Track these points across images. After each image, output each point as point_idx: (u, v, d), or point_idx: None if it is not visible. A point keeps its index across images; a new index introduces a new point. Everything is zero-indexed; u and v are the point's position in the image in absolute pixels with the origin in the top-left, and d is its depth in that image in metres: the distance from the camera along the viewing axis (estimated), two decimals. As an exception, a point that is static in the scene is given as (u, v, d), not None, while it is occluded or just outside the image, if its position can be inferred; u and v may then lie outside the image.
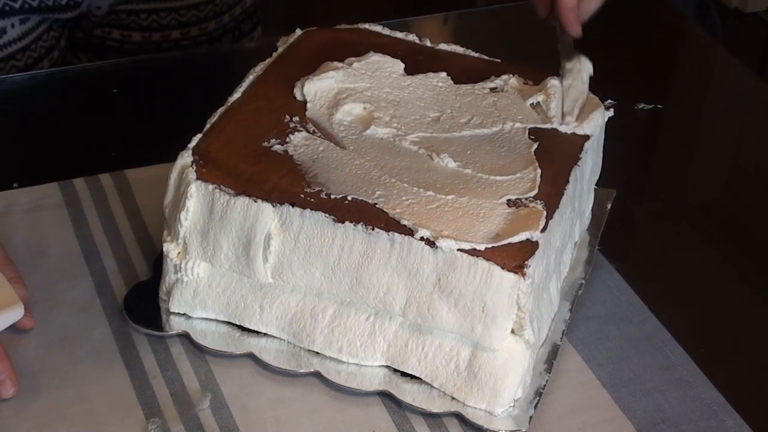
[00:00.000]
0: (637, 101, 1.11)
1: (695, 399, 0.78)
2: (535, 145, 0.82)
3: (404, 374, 0.77)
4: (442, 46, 0.93)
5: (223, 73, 1.14)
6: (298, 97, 0.85)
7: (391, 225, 0.73)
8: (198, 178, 0.77)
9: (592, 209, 0.91)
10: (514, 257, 0.72)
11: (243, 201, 0.75)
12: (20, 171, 0.96)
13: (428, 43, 0.93)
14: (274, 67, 0.88)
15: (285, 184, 0.76)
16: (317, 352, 0.78)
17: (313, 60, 0.88)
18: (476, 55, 0.92)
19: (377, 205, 0.74)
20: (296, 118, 0.83)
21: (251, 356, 0.78)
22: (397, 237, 0.73)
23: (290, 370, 0.78)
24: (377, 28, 0.95)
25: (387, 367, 0.78)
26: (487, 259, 0.71)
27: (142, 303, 0.82)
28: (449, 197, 0.76)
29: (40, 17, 1.11)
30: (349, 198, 0.75)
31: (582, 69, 0.85)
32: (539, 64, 0.90)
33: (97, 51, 1.20)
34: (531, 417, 0.75)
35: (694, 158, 1.11)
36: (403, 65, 0.89)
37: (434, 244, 0.72)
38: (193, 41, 1.21)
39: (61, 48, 1.16)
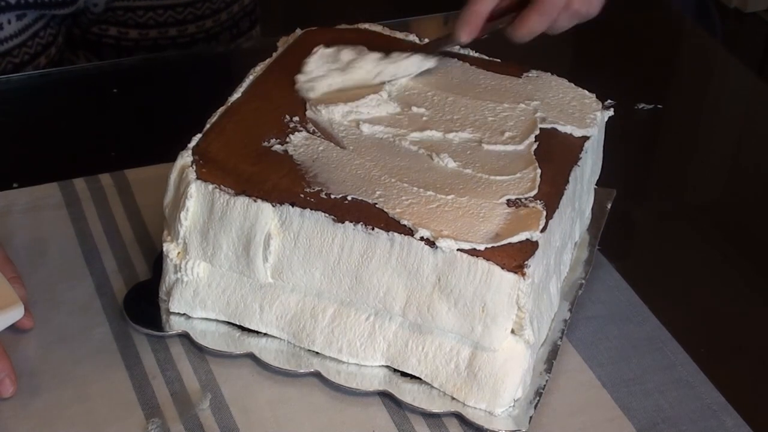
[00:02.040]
0: (637, 101, 1.11)
1: (695, 399, 0.78)
2: (535, 145, 0.81)
3: (404, 374, 0.77)
4: (442, 46, 0.93)
5: (223, 72, 1.14)
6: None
7: (391, 225, 0.73)
8: (198, 178, 0.77)
9: (592, 209, 0.91)
10: (514, 257, 0.72)
11: (243, 201, 0.75)
12: (20, 171, 0.95)
13: (428, 43, 0.93)
14: (274, 67, 0.88)
15: (285, 184, 0.76)
16: (317, 352, 0.78)
17: (313, 60, 0.88)
18: (476, 54, 0.92)
19: (377, 205, 0.74)
20: (296, 118, 0.82)
21: (251, 356, 0.78)
22: (397, 237, 0.73)
23: (290, 370, 0.78)
24: (377, 28, 0.94)
25: (387, 367, 0.78)
26: (487, 259, 0.71)
27: (142, 303, 0.82)
28: (449, 197, 0.76)
29: (36, 13, 1.11)
30: (349, 198, 0.75)
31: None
32: (539, 64, 0.90)
33: (94, 48, 1.20)
34: (531, 417, 0.75)
35: (694, 158, 1.11)
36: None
37: (434, 244, 0.72)
38: (190, 39, 1.21)
39: (58, 45, 1.16)
